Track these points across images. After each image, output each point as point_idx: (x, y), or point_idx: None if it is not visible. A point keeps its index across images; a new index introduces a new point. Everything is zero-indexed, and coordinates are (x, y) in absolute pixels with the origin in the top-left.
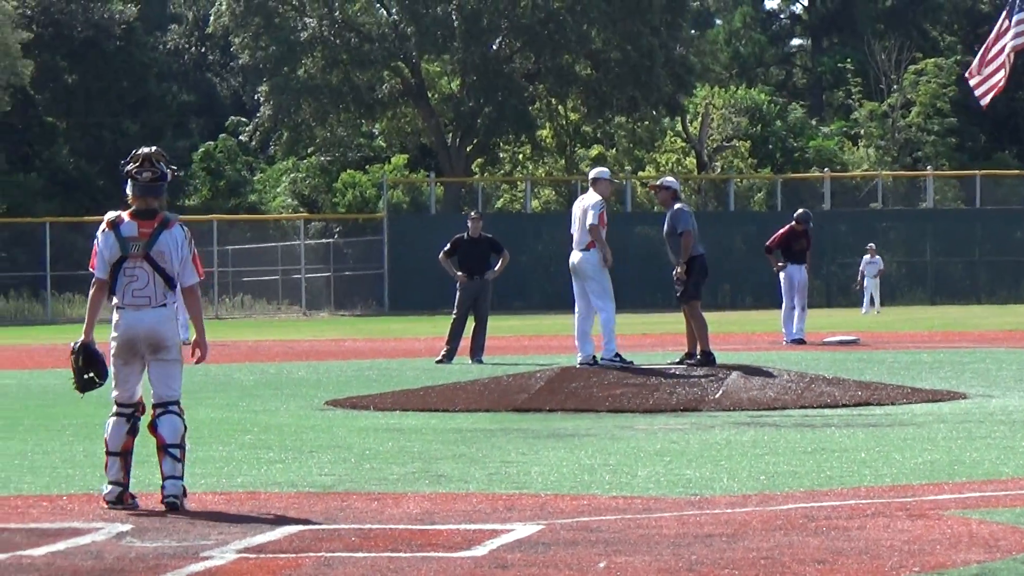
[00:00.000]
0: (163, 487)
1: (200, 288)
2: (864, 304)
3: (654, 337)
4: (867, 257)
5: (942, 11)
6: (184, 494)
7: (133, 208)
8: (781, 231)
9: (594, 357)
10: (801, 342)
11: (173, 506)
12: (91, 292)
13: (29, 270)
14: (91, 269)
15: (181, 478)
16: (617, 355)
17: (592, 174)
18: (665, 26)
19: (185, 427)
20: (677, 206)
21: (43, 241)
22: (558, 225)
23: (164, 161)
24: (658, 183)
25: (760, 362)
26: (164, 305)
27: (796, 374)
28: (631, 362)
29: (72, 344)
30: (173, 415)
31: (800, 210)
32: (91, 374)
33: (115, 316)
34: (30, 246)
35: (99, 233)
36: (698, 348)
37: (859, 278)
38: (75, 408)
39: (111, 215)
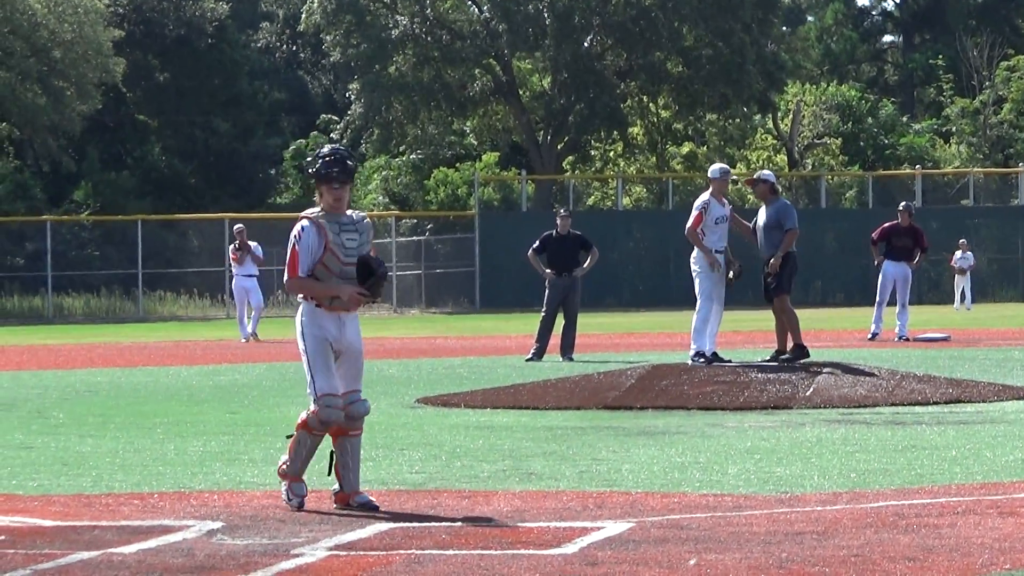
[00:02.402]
0: None
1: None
2: (956, 300)
3: (744, 334)
4: (959, 253)
5: None
6: (286, 495)
7: None
8: (886, 225)
9: (714, 354)
10: (904, 339)
11: None
12: None
13: (121, 268)
14: None
15: (282, 475)
16: (698, 354)
17: (709, 171)
18: (756, 23)
19: (297, 434)
20: (781, 200)
21: (135, 239)
22: (649, 222)
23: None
24: (755, 177)
25: (850, 359)
26: (298, 303)
27: (887, 371)
28: (713, 359)
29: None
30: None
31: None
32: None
33: None
34: (122, 244)
35: None
36: (790, 342)
37: (956, 271)
38: (166, 406)
39: None
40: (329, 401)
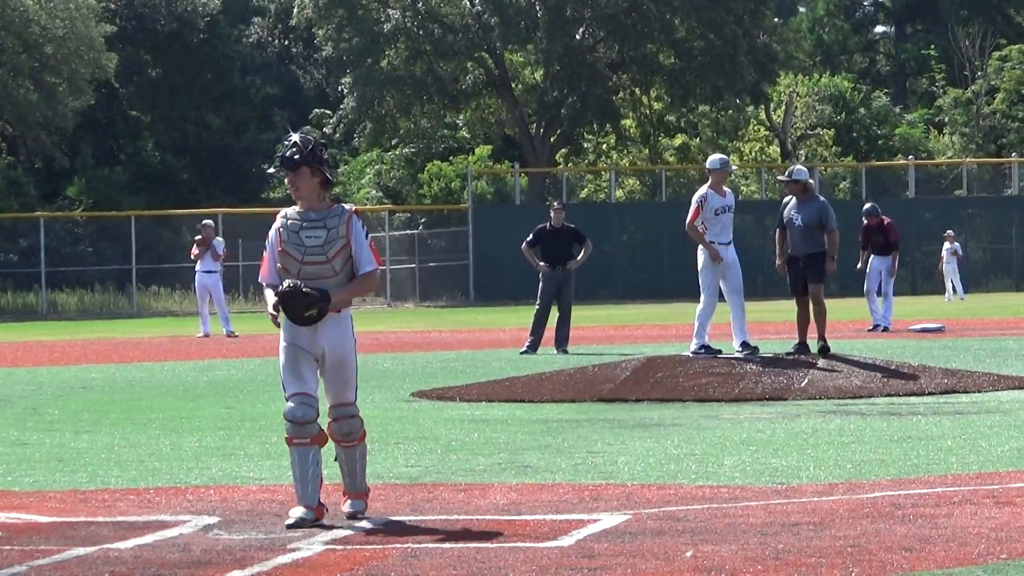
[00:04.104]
0: None
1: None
2: (948, 291)
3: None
4: (947, 244)
5: None
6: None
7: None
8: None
9: (743, 343)
10: (885, 329)
11: None
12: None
13: (115, 264)
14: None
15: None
16: (703, 347)
17: (707, 162)
18: (748, 14)
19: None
20: (821, 199)
21: (129, 235)
22: (642, 215)
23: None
24: (788, 176)
25: (845, 350)
26: None
27: (882, 362)
28: (718, 351)
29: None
30: None
31: (867, 205)
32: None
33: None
34: (116, 240)
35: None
36: (804, 337)
37: (942, 265)
38: (161, 401)
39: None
40: (294, 400)
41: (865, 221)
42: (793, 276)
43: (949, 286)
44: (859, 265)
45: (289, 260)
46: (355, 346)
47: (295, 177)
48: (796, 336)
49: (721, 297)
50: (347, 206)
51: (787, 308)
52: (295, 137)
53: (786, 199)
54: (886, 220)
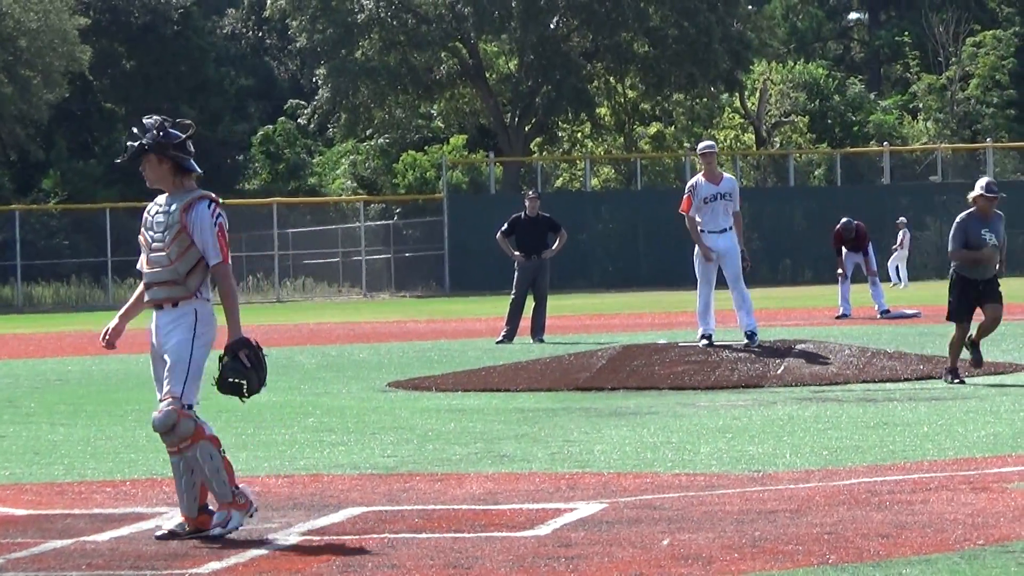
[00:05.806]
0: None
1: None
2: (894, 278)
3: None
4: (900, 233)
5: None
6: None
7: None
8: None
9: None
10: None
11: None
12: (231, 281)
13: (90, 256)
14: (227, 258)
15: None
16: (703, 336)
17: None
18: (722, 2)
19: None
20: (998, 212)
21: (104, 227)
22: (617, 203)
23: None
24: (989, 190)
25: (821, 337)
26: None
27: (857, 348)
28: (708, 344)
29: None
30: None
31: (843, 220)
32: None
33: (212, 308)
34: (91, 232)
35: (220, 212)
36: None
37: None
38: (137, 393)
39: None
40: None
41: (844, 232)
42: (967, 303)
43: (902, 273)
44: (839, 271)
45: (144, 246)
46: (192, 339)
47: (144, 163)
48: (771, 323)
49: (724, 285)
50: (198, 192)
51: (763, 296)
52: (147, 122)
53: (964, 216)
54: (859, 225)
